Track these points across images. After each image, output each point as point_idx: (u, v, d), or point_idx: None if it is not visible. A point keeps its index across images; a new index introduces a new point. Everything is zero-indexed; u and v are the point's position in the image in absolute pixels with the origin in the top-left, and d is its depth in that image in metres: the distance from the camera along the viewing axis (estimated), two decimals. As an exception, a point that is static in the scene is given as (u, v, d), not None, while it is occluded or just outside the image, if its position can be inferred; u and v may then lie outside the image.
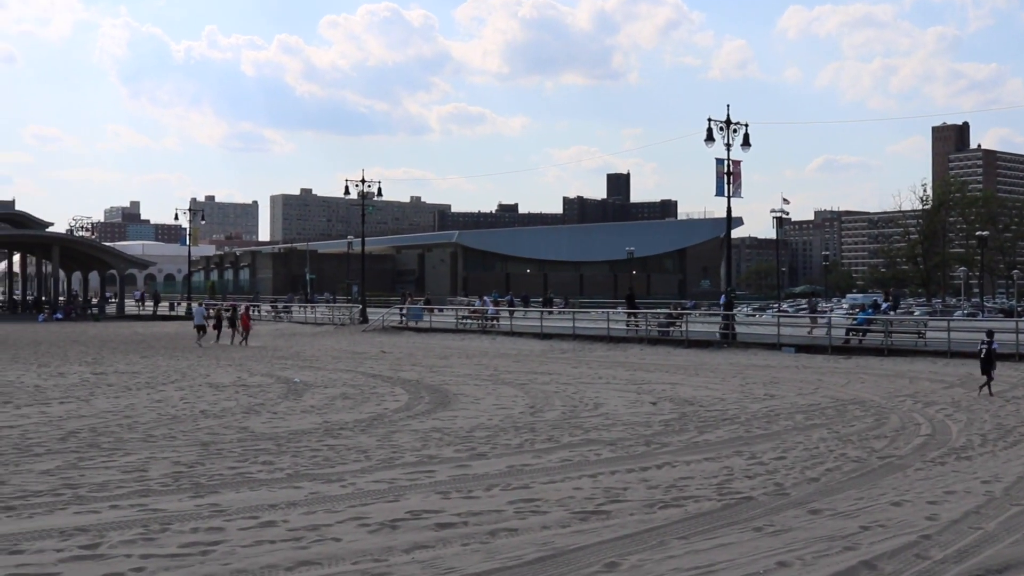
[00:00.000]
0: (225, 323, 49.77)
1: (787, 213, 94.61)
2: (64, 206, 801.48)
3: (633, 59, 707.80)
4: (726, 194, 45.81)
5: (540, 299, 79.86)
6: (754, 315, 63.99)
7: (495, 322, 55.15)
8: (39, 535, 9.90)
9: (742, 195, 47.08)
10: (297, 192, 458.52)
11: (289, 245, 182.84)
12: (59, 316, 79.43)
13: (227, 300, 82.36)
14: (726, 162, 45.61)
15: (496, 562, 8.98)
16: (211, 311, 53.32)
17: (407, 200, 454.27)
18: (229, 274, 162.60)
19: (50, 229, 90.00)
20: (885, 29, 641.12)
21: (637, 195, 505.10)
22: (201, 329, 47.86)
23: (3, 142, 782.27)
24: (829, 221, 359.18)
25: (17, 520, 10.61)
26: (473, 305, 63.68)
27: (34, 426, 18.29)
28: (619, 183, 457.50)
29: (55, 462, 14.28)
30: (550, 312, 60.65)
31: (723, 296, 47.60)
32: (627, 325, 47.61)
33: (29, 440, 16.45)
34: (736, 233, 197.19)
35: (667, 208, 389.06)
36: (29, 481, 12.83)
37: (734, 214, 50.16)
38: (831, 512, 11.08)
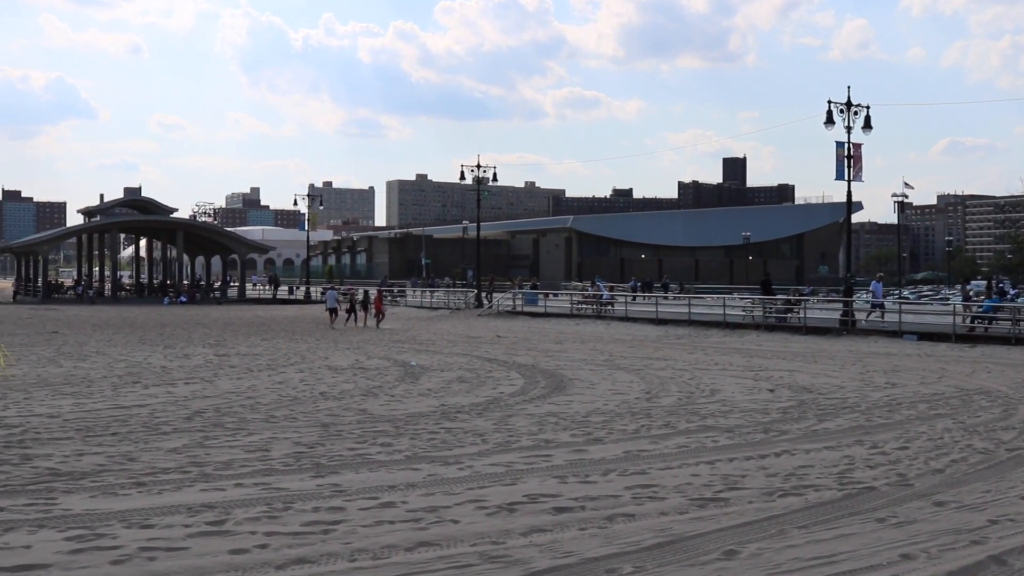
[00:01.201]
0: (358, 307, 50.74)
1: (909, 197, 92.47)
2: (187, 192, 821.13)
3: (750, 40, 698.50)
4: (846, 178, 44.96)
5: (659, 285, 79.45)
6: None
7: (610, 307, 54.99)
8: (168, 511, 10.19)
9: (863, 179, 46.18)
10: (413, 178, 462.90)
11: (405, 230, 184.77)
12: (183, 299, 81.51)
13: (345, 284, 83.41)
14: (846, 145, 44.74)
15: (614, 547, 8.97)
16: (344, 295, 54.41)
17: (521, 185, 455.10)
18: (346, 259, 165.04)
19: (174, 215, 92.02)
20: (1015, 5, 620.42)
21: (754, 179, 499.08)
22: (333, 312, 48.80)
23: (131, 130, 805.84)
24: (953, 205, 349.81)
25: (147, 496, 10.93)
26: (587, 291, 63.54)
27: (161, 406, 18.83)
28: (735, 167, 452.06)
29: (182, 440, 14.68)
30: (665, 297, 60.25)
31: (875, 283, 45.72)
32: (763, 312, 46.45)
33: (157, 419, 16.94)
34: (856, 218, 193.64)
35: (784, 192, 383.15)
36: (158, 459, 13.21)
37: (854, 198, 49.15)
38: (957, 504, 10.81)
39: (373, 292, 54.41)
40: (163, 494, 11.03)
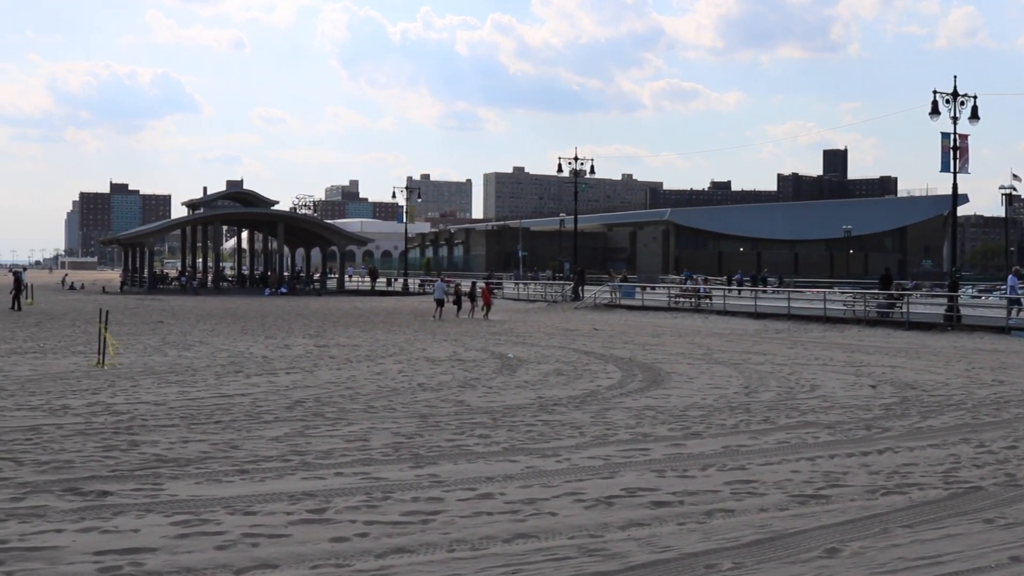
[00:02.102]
0: (465, 298, 51.32)
1: (1017, 190, 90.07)
2: (288, 185, 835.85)
3: (853, 30, 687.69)
4: (952, 170, 43.92)
5: (764, 279, 78.54)
6: (979, 297, 61.26)
7: (707, 300, 54.55)
8: (270, 498, 10.36)
9: (969, 171, 45.05)
10: (510, 170, 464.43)
11: (502, 223, 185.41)
12: (283, 290, 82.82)
13: (443, 276, 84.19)
14: (952, 136, 43.69)
15: (713, 543, 8.89)
16: (451, 287, 55.09)
17: (618, 178, 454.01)
18: (443, 251, 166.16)
19: (275, 207, 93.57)
20: None
21: (855, 171, 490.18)
22: (440, 304, 49.37)
23: (233, 124, 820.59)
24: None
25: (250, 483, 11.13)
26: (684, 284, 63.11)
27: (263, 395, 19.15)
28: (836, 159, 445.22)
29: (283, 429, 14.91)
30: (764, 291, 59.59)
31: (1012, 276, 43.61)
32: (866, 307, 45.48)
33: (259, 408, 17.23)
34: (961, 211, 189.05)
35: (887, 185, 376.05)
36: (260, 447, 13.43)
37: (960, 191, 48.04)
38: (1069, 505, 10.51)
39: (480, 284, 55.09)
40: (265, 482, 11.21)
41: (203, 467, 12.01)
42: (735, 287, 65.18)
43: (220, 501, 10.20)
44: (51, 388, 19.82)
